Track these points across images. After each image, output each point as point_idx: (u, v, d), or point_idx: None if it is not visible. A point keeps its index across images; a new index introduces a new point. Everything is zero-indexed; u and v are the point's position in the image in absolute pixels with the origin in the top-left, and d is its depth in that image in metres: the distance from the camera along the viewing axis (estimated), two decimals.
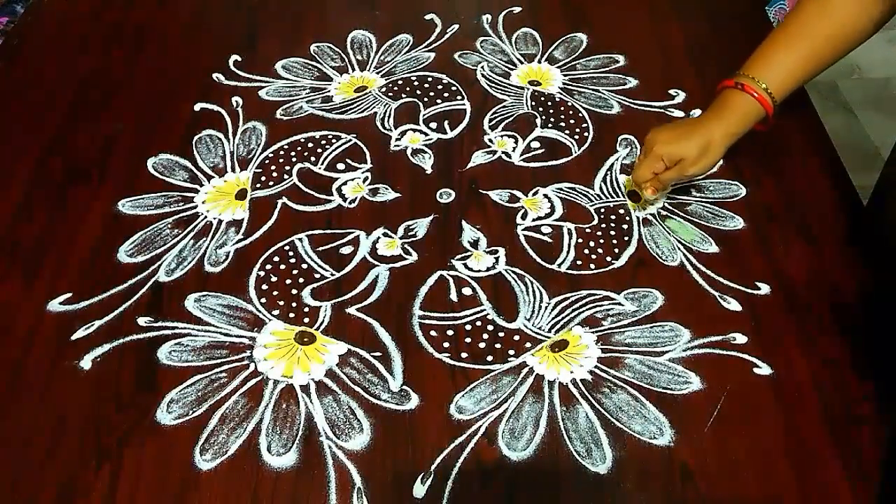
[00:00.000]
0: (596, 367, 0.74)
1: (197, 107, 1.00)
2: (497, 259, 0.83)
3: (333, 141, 0.96)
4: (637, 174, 0.84)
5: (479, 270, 0.82)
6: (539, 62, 1.08)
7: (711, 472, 0.67)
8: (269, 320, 0.78)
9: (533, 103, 1.01)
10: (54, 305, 0.78)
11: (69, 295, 0.79)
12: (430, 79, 1.05)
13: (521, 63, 1.08)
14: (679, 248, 0.84)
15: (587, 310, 0.79)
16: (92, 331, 0.76)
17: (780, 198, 0.90)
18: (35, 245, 0.84)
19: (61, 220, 0.87)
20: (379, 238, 0.85)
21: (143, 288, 0.80)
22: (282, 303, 0.79)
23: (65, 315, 0.78)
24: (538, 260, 0.83)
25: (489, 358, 0.75)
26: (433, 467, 0.67)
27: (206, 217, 0.87)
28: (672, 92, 1.02)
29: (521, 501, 0.66)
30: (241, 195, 0.90)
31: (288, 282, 0.81)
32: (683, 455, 0.68)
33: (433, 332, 0.76)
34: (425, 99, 1.02)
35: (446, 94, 1.03)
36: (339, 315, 0.78)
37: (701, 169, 0.81)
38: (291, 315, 0.78)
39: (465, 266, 0.82)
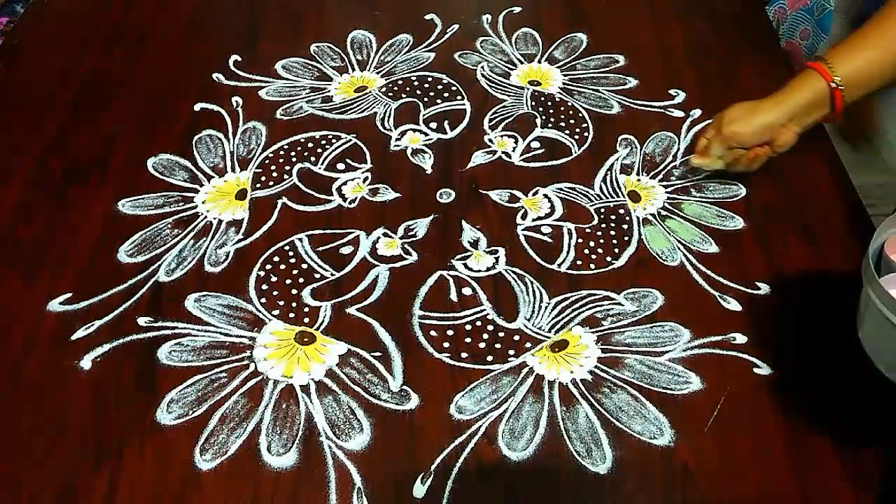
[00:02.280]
0: (596, 367, 0.74)
1: (197, 107, 1.00)
2: (497, 259, 0.83)
3: (333, 141, 0.96)
4: (697, 144, 0.88)
5: (479, 270, 0.82)
6: (539, 62, 1.08)
7: (711, 472, 0.67)
8: (269, 320, 0.78)
9: (533, 103, 1.01)
10: (54, 305, 0.78)
11: (69, 295, 0.79)
12: (430, 79, 1.05)
13: (521, 63, 1.08)
14: (679, 248, 0.84)
15: (587, 310, 0.79)
16: (92, 331, 0.76)
17: (780, 198, 0.90)
18: (35, 245, 0.84)
19: (61, 220, 0.87)
20: (379, 238, 0.85)
21: (143, 288, 0.80)
22: (282, 303, 0.79)
23: (65, 315, 0.78)
24: (538, 260, 0.83)
25: (489, 358, 0.75)
26: (433, 467, 0.67)
27: (206, 217, 0.87)
28: (672, 92, 1.03)
29: (521, 501, 0.66)
30: (241, 195, 0.90)
31: (288, 282, 0.81)
32: (683, 455, 0.68)
33: (433, 332, 0.76)
34: (425, 99, 1.02)
35: (446, 94, 1.03)
36: (339, 315, 0.78)
37: (737, 131, 0.84)
38: (291, 315, 0.78)
39: (465, 266, 0.82)
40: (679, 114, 1.00)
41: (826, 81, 0.81)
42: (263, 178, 0.92)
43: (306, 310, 0.79)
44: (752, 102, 0.84)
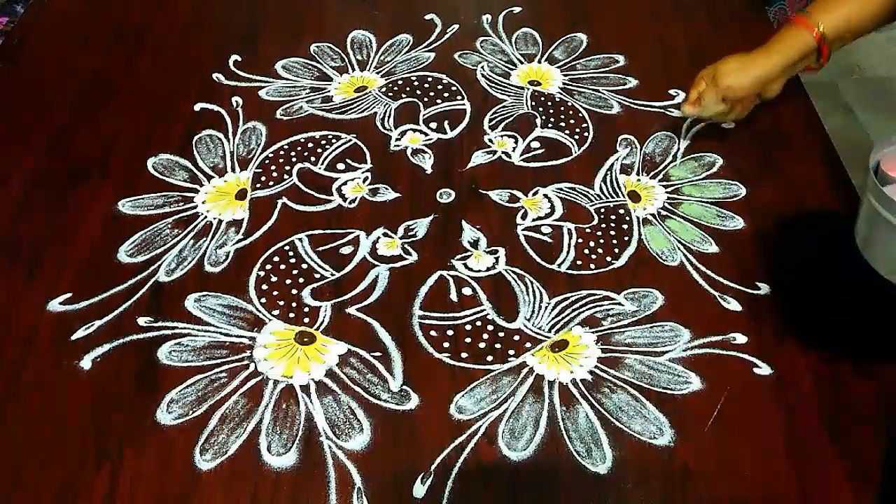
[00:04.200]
0: (596, 367, 0.74)
1: (197, 107, 1.00)
2: (497, 259, 0.83)
3: (333, 141, 0.96)
4: (688, 97, 0.93)
5: (479, 270, 0.82)
6: (539, 62, 1.08)
7: (711, 472, 0.67)
8: (269, 320, 0.78)
9: (533, 103, 1.01)
10: (54, 305, 0.78)
11: (69, 295, 0.79)
12: (430, 79, 1.05)
13: (521, 63, 1.08)
14: (679, 248, 0.84)
15: (587, 310, 0.79)
16: (92, 331, 0.76)
17: (780, 198, 0.90)
18: (35, 245, 0.84)
19: (61, 220, 0.87)
20: (379, 238, 0.85)
21: (143, 288, 0.80)
22: (282, 303, 0.79)
23: (65, 315, 0.78)
24: (538, 260, 0.83)
25: (489, 358, 0.75)
26: (433, 467, 0.67)
27: (206, 217, 0.87)
28: (672, 92, 1.03)
29: (521, 501, 0.66)
30: (241, 195, 0.90)
31: (288, 282, 0.81)
32: (683, 455, 0.68)
33: (433, 332, 0.76)
34: (425, 99, 1.02)
35: (446, 94, 1.03)
36: (339, 315, 0.78)
37: (733, 84, 0.89)
38: (291, 315, 0.78)
39: (465, 266, 0.82)
40: (679, 114, 0.99)
41: (814, 37, 0.87)
42: (263, 178, 0.92)
43: (306, 310, 0.79)
44: (744, 56, 0.89)
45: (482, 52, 1.09)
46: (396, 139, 0.97)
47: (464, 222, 0.87)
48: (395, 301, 0.79)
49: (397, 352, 0.75)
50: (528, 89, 1.04)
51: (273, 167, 0.93)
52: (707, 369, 0.74)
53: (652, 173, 0.93)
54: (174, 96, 1.02)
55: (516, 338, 0.76)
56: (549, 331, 0.77)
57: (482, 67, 1.07)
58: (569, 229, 0.86)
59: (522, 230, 0.86)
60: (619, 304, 0.79)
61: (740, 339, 0.76)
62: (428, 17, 1.14)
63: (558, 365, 0.74)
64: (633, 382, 0.73)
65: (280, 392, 0.72)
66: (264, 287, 0.80)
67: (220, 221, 0.87)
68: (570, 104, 1.01)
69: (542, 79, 1.05)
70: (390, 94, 1.03)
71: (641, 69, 1.06)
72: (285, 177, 0.92)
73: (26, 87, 1.04)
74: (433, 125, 0.99)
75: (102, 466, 0.67)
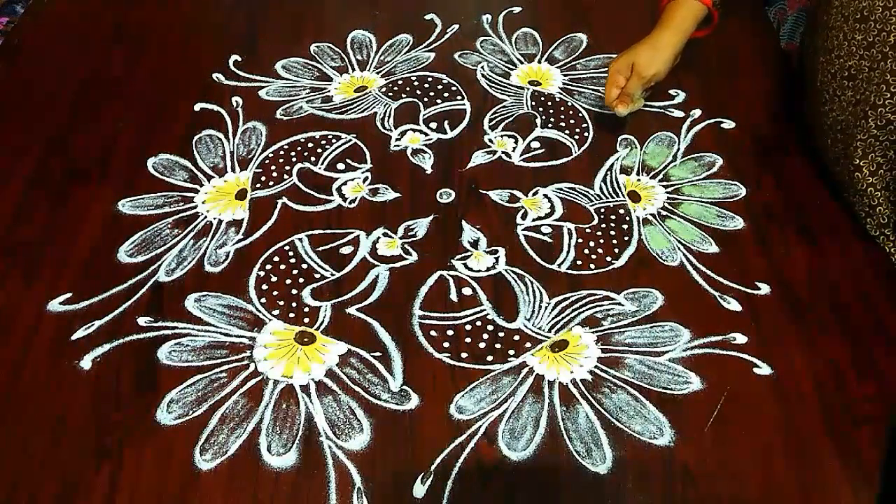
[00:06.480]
0: (596, 367, 0.74)
1: (197, 107, 1.00)
2: (497, 259, 0.83)
3: (333, 141, 0.96)
4: (608, 97, 0.94)
5: (479, 270, 0.82)
6: (539, 62, 1.08)
7: (711, 472, 0.67)
8: (269, 320, 0.78)
9: (533, 103, 1.01)
10: (54, 305, 0.78)
11: (69, 295, 0.79)
12: (430, 79, 1.05)
13: (521, 63, 1.08)
14: (679, 248, 0.84)
15: (587, 310, 0.79)
16: (92, 331, 0.76)
17: (780, 198, 0.90)
18: (35, 245, 0.84)
19: (61, 220, 0.87)
20: (379, 238, 0.85)
21: (143, 288, 0.80)
22: (282, 303, 0.79)
23: (65, 315, 0.78)
24: (538, 260, 0.83)
25: (489, 358, 0.75)
26: (433, 467, 0.67)
27: (206, 217, 0.87)
28: (672, 92, 1.02)
29: (521, 501, 0.66)
30: (241, 195, 0.90)
31: (288, 282, 0.81)
32: (683, 455, 0.68)
33: (433, 332, 0.76)
34: (425, 99, 1.02)
35: (446, 94, 1.03)
36: (339, 315, 0.78)
37: (657, 70, 0.92)
38: (291, 315, 0.78)
39: (465, 266, 0.82)
40: (679, 114, 1.00)
41: (705, 3, 0.92)
42: (263, 178, 0.92)
43: (306, 310, 0.79)
44: (650, 42, 0.93)
45: (482, 52, 1.09)
46: (396, 139, 0.97)
47: (464, 222, 0.87)
48: (395, 301, 0.79)
49: (397, 352, 0.75)
50: (528, 89, 1.04)
51: (273, 167, 0.93)
52: (707, 369, 0.74)
53: (652, 173, 0.93)
54: (174, 96, 1.02)
55: (516, 338, 0.76)
56: (549, 331, 0.77)
57: (482, 67, 1.07)
58: (569, 229, 0.86)
59: (522, 230, 0.86)
60: (619, 304, 0.79)
61: (740, 339, 0.76)
62: (428, 17, 1.14)
63: (558, 365, 0.74)
64: (633, 382, 0.73)
65: (280, 392, 0.72)
66: (264, 287, 0.80)
67: (220, 221, 0.87)
68: (570, 104, 1.01)
69: (542, 79, 1.05)
70: (390, 94, 1.03)
71: None
72: (285, 177, 0.92)
73: (26, 87, 1.04)
74: (433, 125, 0.99)
75: (102, 466, 0.67)
